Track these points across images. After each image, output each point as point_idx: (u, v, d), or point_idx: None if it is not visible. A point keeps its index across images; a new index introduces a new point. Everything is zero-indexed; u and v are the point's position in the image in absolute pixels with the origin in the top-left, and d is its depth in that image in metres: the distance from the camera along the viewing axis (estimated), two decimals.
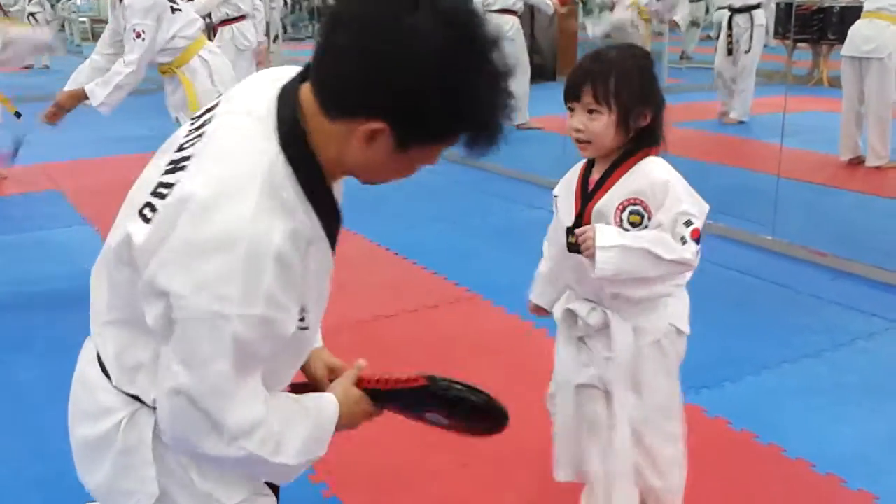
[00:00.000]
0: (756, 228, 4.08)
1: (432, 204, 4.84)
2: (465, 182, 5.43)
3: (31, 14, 13.34)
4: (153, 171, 1.17)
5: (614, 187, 1.60)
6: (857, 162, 5.56)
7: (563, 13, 10.19)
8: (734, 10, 7.01)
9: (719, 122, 7.35)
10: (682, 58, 11.37)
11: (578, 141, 1.61)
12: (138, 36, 3.33)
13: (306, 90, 1.10)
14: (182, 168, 1.11)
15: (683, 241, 1.54)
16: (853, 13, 5.52)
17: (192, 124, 1.20)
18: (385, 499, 2.08)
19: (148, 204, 1.12)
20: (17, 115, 3.67)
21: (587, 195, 1.64)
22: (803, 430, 2.35)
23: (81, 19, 16.21)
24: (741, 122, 7.18)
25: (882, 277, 3.52)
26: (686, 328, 1.72)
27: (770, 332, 3.02)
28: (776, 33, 9.98)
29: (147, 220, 1.10)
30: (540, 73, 10.08)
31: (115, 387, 1.19)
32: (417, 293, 3.42)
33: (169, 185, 1.10)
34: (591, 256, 1.54)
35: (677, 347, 1.71)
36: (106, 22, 3.69)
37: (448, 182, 5.47)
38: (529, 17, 9.95)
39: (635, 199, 1.58)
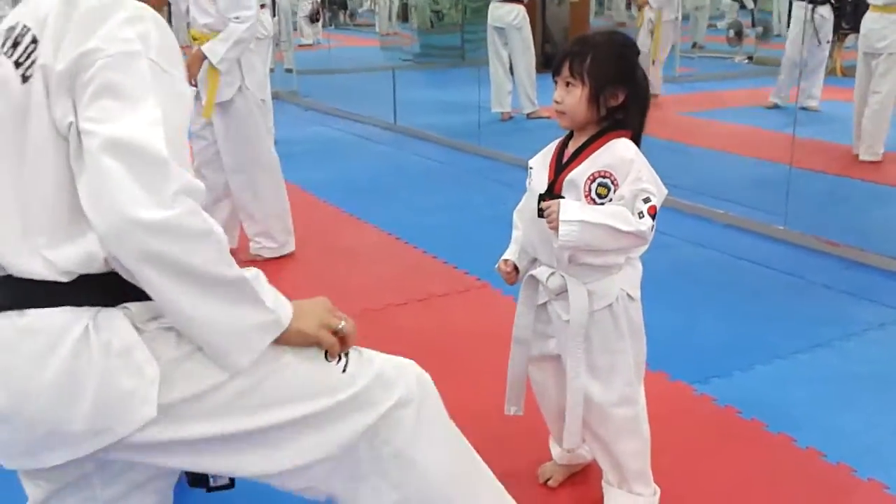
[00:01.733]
0: (768, 218, 4.06)
1: (441, 193, 4.84)
2: (474, 171, 5.43)
3: None
4: None
5: (587, 160, 1.72)
6: None
7: (575, 1, 10.17)
8: (816, 3, 6.80)
9: (764, 108, 7.29)
10: (693, 47, 11.30)
11: (557, 112, 1.76)
12: None
13: None
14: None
15: (641, 215, 1.66)
16: (867, 4, 5.43)
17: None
18: None
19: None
20: None
21: (561, 166, 1.76)
22: (813, 420, 2.34)
23: None
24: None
25: (894, 267, 3.50)
26: (636, 294, 1.84)
27: (781, 322, 3.01)
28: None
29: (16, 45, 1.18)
30: (551, 62, 10.06)
31: (52, 305, 1.15)
32: (427, 282, 3.43)
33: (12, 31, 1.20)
34: (555, 229, 1.65)
35: (629, 313, 1.82)
36: None
37: (457, 171, 5.47)
38: (542, 5, 9.94)
39: (604, 171, 1.70)
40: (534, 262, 1.86)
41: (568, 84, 1.73)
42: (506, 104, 7.16)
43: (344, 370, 1.23)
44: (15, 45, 1.18)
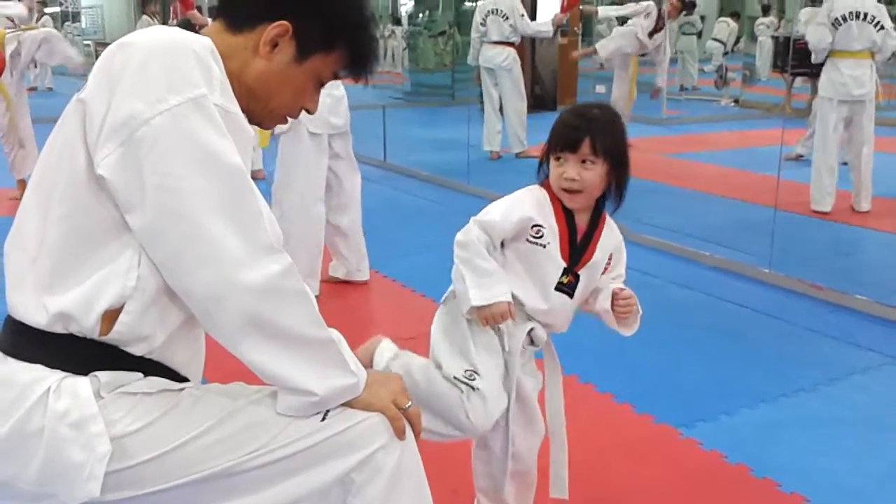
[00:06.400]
0: (753, 260, 4.09)
1: (429, 231, 4.85)
2: (464, 209, 5.41)
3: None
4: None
5: (600, 242, 1.78)
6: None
7: (564, 44, 10.30)
8: None
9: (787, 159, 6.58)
10: (681, 89, 11.46)
11: (569, 190, 1.72)
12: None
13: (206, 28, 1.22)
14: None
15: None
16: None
17: None
18: None
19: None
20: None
21: (577, 246, 1.76)
22: (798, 465, 2.34)
23: (86, 42, 16.33)
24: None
25: (879, 312, 3.52)
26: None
27: (766, 366, 3.02)
28: (774, 66, 10.07)
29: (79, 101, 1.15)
30: (541, 104, 10.18)
31: (22, 360, 1.14)
32: (415, 320, 3.41)
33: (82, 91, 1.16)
34: (628, 316, 1.79)
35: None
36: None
37: (446, 209, 5.49)
38: (531, 48, 10.07)
39: (611, 255, 1.81)
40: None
41: (584, 161, 1.69)
42: (495, 143, 7.22)
43: (323, 419, 1.20)
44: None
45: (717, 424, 2.57)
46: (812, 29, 5.09)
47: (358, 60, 1.30)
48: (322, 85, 1.31)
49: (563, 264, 1.75)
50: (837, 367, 3.01)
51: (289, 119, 1.33)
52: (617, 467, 2.32)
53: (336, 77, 1.32)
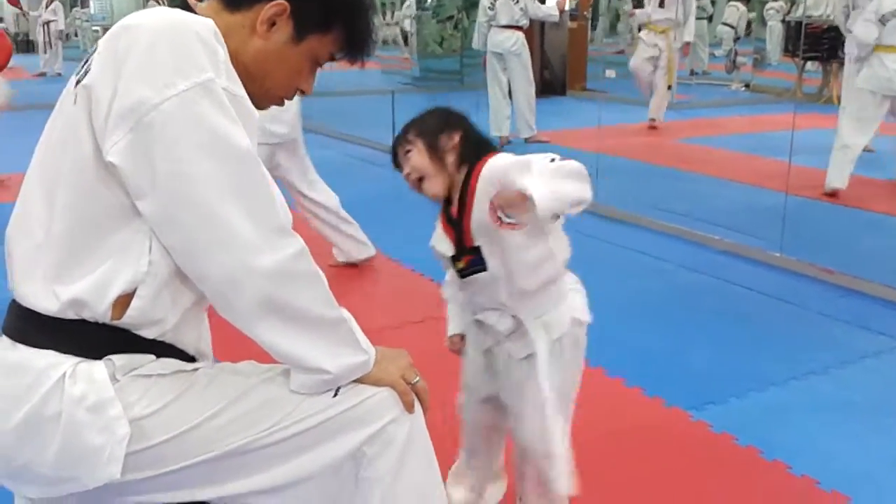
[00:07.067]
0: (764, 245, 4.07)
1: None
2: None
3: (47, 22, 13.45)
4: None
5: (476, 197, 1.66)
6: None
7: (574, 28, 10.25)
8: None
9: None
10: (691, 74, 11.39)
11: (417, 188, 1.74)
12: None
13: (200, 5, 1.21)
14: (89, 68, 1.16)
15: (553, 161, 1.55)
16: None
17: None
18: None
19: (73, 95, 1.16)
20: None
21: (456, 222, 1.71)
22: (809, 447, 2.34)
23: (94, 28, 16.35)
24: None
25: (890, 296, 3.51)
26: (586, 318, 1.77)
27: (777, 349, 3.02)
28: (785, 51, 10.00)
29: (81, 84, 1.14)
30: (550, 88, 10.14)
31: (36, 346, 1.15)
32: (423, 304, 3.42)
33: (85, 75, 1.15)
34: (512, 206, 1.52)
35: (579, 338, 1.78)
36: None
37: None
38: (540, 32, 10.02)
39: (496, 193, 1.57)
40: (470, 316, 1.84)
41: (407, 152, 1.71)
42: (504, 128, 7.20)
43: (335, 396, 1.21)
44: (84, 62, 1.19)
45: (727, 407, 2.56)
46: (860, 25, 5.16)
47: (354, 42, 1.29)
48: (319, 66, 1.31)
49: (449, 253, 1.74)
50: (848, 350, 3.00)
51: (284, 101, 1.33)
52: (627, 450, 2.32)
53: (332, 59, 1.31)
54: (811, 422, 2.49)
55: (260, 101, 1.25)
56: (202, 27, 1.14)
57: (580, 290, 1.80)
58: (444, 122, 1.73)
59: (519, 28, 7.02)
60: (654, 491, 2.13)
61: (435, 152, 1.70)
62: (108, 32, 1.16)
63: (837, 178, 5.24)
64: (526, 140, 7.18)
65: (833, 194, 5.21)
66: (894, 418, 2.53)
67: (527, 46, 7.15)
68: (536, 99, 7.27)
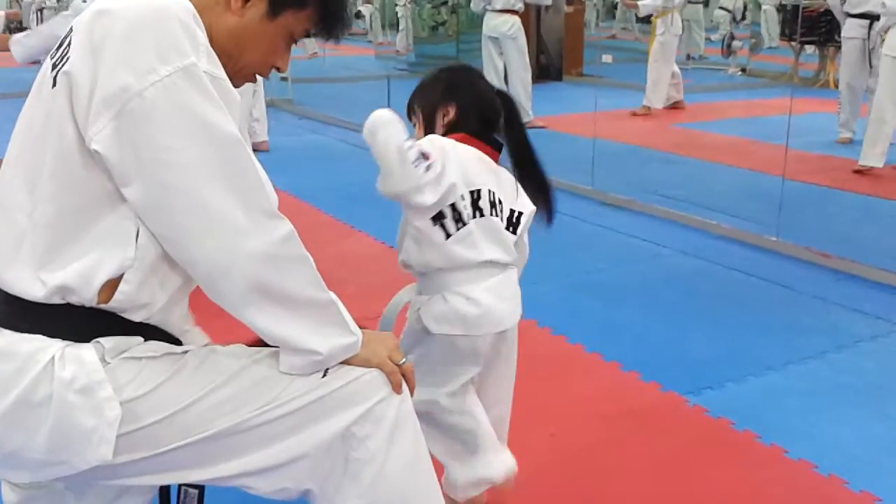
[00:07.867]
0: (761, 229, 4.07)
1: None
2: None
3: (40, 9, 13.34)
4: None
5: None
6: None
7: (570, 13, 10.20)
8: (874, 18, 5.87)
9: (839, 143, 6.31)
10: (688, 58, 11.34)
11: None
12: None
13: None
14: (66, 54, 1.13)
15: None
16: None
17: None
18: None
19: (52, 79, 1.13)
20: None
21: None
22: (806, 432, 2.34)
23: None
24: None
25: (886, 280, 3.51)
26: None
27: (773, 334, 3.02)
28: (782, 35, 9.97)
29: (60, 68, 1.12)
30: (546, 73, 10.10)
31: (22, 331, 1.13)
32: None
33: (63, 62, 1.12)
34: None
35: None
36: None
37: None
38: (536, 17, 9.97)
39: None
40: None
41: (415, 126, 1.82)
42: None
43: (324, 376, 1.22)
44: (59, 46, 1.16)
45: (724, 392, 2.57)
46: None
47: (329, 18, 1.28)
48: (294, 42, 1.30)
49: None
50: (845, 334, 3.01)
51: (257, 78, 1.32)
52: (624, 435, 2.32)
53: (307, 35, 1.30)
54: (808, 406, 2.50)
55: (233, 79, 1.22)
56: (181, 10, 1.12)
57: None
58: (447, 93, 1.78)
59: (514, 12, 6.99)
60: (651, 475, 2.13)
61: (431, 129, 1.79)
62: (83, 16, 1.13)
63: (872, 155, 5.22)
64: None
65: (860, 171, 5.20)
66: (891, 401, 2.54)
67: (523, 31, 7.12)
68: (533, 84, 7.24)
